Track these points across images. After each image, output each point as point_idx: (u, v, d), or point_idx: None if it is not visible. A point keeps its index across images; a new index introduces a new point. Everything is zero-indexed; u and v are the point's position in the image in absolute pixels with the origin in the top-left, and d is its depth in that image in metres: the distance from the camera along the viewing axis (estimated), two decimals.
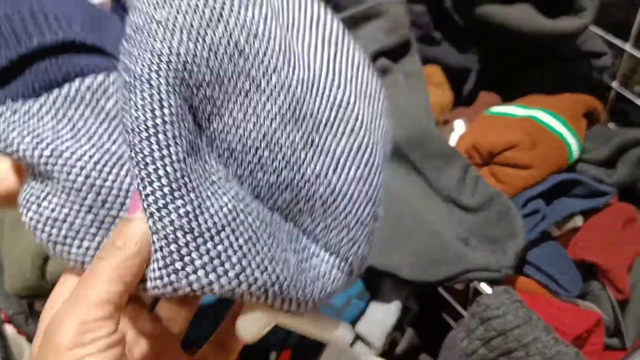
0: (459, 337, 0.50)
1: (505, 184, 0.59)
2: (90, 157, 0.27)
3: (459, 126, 0.71)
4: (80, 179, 0.27)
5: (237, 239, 0.26)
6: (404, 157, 0.60)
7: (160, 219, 0.24)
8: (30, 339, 0.55)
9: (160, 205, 0.24)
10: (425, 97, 0.62)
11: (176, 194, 0.24)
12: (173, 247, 0.24)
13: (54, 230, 0.27)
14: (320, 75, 0.31)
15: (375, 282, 0.58)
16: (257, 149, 0.28)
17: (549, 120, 0.61)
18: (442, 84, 0.66)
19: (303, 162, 0.29)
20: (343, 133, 0.31)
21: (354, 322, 0.58)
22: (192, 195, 0.25)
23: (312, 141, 0.30)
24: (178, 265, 0.24)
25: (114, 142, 0.28)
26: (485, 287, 0.50)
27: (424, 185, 0.59)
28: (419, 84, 0.63)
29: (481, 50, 0.75)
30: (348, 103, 0.31)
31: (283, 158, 0.29)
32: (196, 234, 0.25)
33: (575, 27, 0.65)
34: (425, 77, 0.65)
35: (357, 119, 0.31)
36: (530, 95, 0.70)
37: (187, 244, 0.24)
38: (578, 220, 0.58)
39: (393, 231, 0.54)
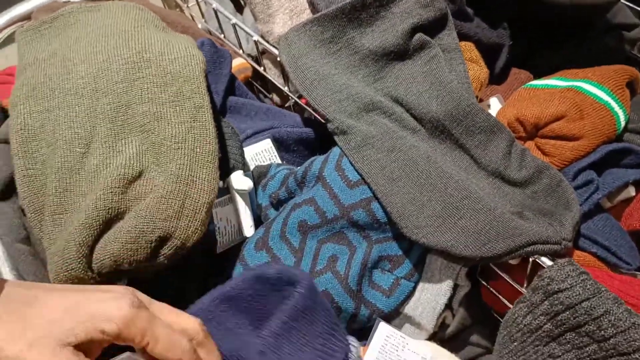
0: (521, 314, 0.48)
1: (553, 157, 0.57)
2: None
3: (495, 104, 0.69)
4: None
5: None
6: (447, 133, 0.58)
7: None
8: None
9: None
10: (464, 71, 0.60)
11: None
12: None
13: None
14: None
15: (423, 261, 0.56)
16: None
17: (593, 90, 0.59)
18: (478, 60, 0.65)
19: None
20: None
21: (402, 303, 0.56)
22: None
23: None
24: None
25: None
26: (546, 261, 0.49)
27: (469, 161, 0.57)
28: (457, 58, 0.61)
29: (512, 26, 0.73)
30: None
31: None
32: None
33: None
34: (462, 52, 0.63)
35: None
36: (564, 70, 0.69)
37: None
38: (631, 191, 0.56)
39: (443, 208, 0.52)
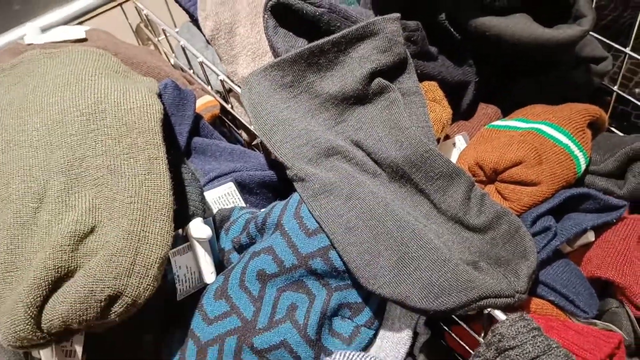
0: None
1: (512, 202, 0.57)
2: None
3: (460, 142, 0.69)
4: None
5: None
6: (406, 178, 0.58)
7: None
8: None
9: None
10: (424, 114, 0.60)
11: None
12: None
13: None
14: None
15: (383, 309, 0.55)
16: None
17: (553, 133, 0.59)
18: (441, 100, 0.64)
19: None
20: None
21: (363, 351, 0.56)
22: None
23: None
24: None
25: None
26: (499, 314, 0.48)
27: (428, 206, 0.57)
28: (417, 101, 0.61)
29: (478, 62, 0.73)
30: None
31: None
32: None
33: (575, 35, 0.64)
34: (424, 93, 0.63)
35: None
36: (530, 106, 0.69)
37: None
38: (590, 236, 0.56)
39: (399, 259, 0.52)
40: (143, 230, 0.50)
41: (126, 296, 0.47)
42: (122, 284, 0.47)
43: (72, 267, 0.48)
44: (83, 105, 0.55)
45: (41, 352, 0.50)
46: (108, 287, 0.46)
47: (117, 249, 0.48)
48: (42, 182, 0.52)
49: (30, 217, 0.51)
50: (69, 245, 0.48)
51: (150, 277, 0.49)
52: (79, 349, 0.52)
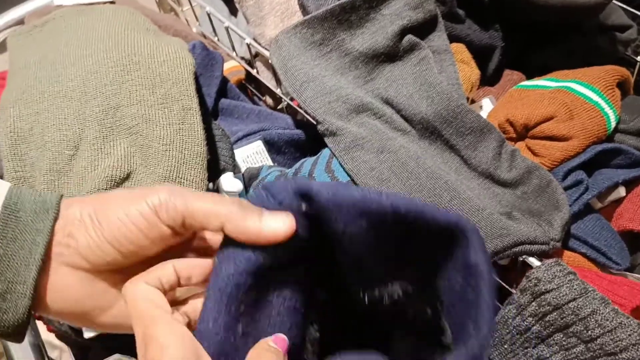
0: (510, 315, 0.48)
1: (543, 157, 0.57)
2: None
3: (487, 105, 0.69)
4: None
5: None
6: (437, 134, 0.58)
7: None
8: (62, 335, 0.53)
9: None
10: (455, 72, 0.60)
11: None
12: None
13: None
14: None
15: None
16: None
17: (583, 91, 0.59)
18: (469, 61, 0.65)
19: None
20: None
21: None
22: None
23: None
24: None
25: None
26: (534, 261, 0.48)
27: (459, 162, 0.57)
28: (447, 59, 0.61)
29: (504, 28, 0.73)
30: None
31: None
32: None
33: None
34: (453, 54, 0.63)
35: None
36: (557, 71, 0.69)
37: None
38: (621, 191, 0.56)
39: None
40: (178, 177, 0.50)
41: None
42: None
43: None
44: (117, 57, 0.55)
45: None
46: None
47: None
48: (78, 130, 0.52)
49: (66, 163, 0.51)
50: (106, 189, 0.48)
51: None
52: None
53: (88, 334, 0.52)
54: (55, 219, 0.33)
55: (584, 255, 0.53)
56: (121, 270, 0.34)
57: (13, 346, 0.49)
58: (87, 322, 0.35)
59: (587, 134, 0.56)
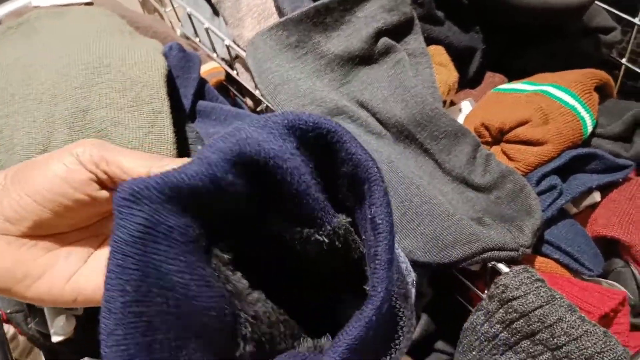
0: (479, 322, 0.48)
1: (517, 162, 0.56)
2: None
3: (467, 107, 0.68)
4: None
5: None
6: (411, 138, 0.57)
7: None
8: (30, 339, 0.53)
9: None
10: (431, 75, 0.60)
11: None
12: None
13: None
14: None
15: None
16: None
17: (560, 95, 0.58)
18: (447, 63, 0.64)
19: None
20: None
21: None
22: None
23: None
24: None
25: None
26: (503, 267, 0.48)
27: (433, 166, 0.57)
28: (424, 62, 0.60)
29: (485, 30, 0.73)
30: None
31: None
32: None
33: (581, 1, 0.63)
34: (430, 56, 0.63)
35: None
36: (537, 74, 0.68)
37: None
38: (596, 196, 0.56)
39: (403, 215, 0.51)
40: None
41: None
42: None
43: None
44: (88, 59, 0.55)
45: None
46: None
47: None
48: (47, 134, 0.52)
49: None
50: None
51: None
52: None
53: (56, 338, 0.52)
54: None
55: (557, 261, 0.52)
56: (59, 237, 0.33)
57: None
58: (19, 294, 0.34)
59: (562, 138, 0.56)
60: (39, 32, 0.60)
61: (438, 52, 0.65)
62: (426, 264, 0.49)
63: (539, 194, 0.54)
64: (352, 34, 0.60)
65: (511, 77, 0.74)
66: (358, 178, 0.28)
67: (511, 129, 0.56)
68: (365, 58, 0.60)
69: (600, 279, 0.52)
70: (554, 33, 0.75)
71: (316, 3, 0.59)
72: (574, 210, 0.56)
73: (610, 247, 0.54)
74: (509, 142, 0.57)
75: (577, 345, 0.42)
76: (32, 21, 0.62)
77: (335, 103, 0.59)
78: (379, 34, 0.60)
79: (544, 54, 0.75)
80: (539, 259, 0.53)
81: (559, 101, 0.58)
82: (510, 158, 0.57)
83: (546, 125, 0.56)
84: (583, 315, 0.43)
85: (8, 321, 0.54)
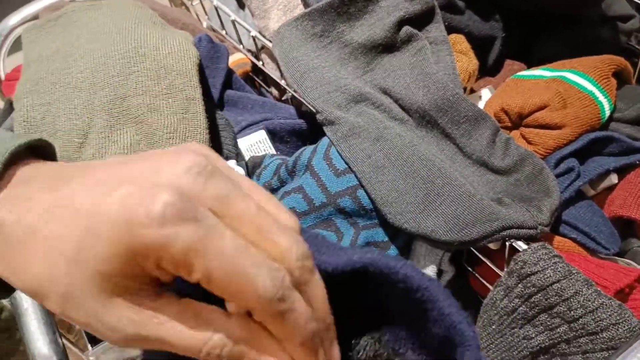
0: (498, 297, 0.50)
1: (536, 145, 0.58)
2: None
3: (486, 95, 0.70)
4: None
5: None
6: (433, 123, 0.59)
7: None
8: None
9: None
10: (452, 62, 0.61)
11: None
12: None
13: None
14: None
15: (409, 248, 0.57)
16: None
17: (578, 80, 0.60)
18: (467, 51, 0.66)
19: None
20: None
21: None
22: None
23: None
24: None
25: None
26: (521, 244, 0.50)
27: (454, 149, 0.59)
28: (445, 50, 0.62)
29: (505, 18, 0.74)
30: None
31: None
32: None
33: None
34: (451, 44, 0.64)
35: None
36: (556, 61, 0.70)
37: None
38: (613, 178, 0.57)
39: (425, 195, 0.54)
40: None
41: None
42: None
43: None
44: (124, 49, 0.57)
45: None
46: None
47: None
48: (87, 120, 0.55)
49: (75, 151, 0.54)
50: None
51: None
52: None
53: None
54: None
55: (574, 240, 0.54)
56: None
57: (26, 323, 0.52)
58: None
59: (580, 122, 0.57)
60: (76, 24, 0.63)
61: (459, 41, 0.67)
62: (448, 242, 0.51)
63: (557, 176, 0.56)
64: (375, 23, 0.62)
65: (531, 65, 0.76)
66: (450, 341, 0.28)
67: (530, 113, 0.58)
68: (388, 46, 0.63)
69: (617, 258, 0.54)
70: (572, 21, 0.76)
71: None
72: (592, 192, 0.58)
73: (627, 228, 0.56)
74: (527, 126, 0.59)
75: (593, 317, 0.44)
76: (70, 14, 0.65)
77: (359, 90, 0.61)
78: (401, 22, 0.62)
79: (562, 42, 0.76)
80: (557, 239, 0.54)
81: (577, 86, 0.59)
82: (529, 142, 0.59)
83: (564, 110, 0.57)
84: (599, 289, 0.45)
85: None
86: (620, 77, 0.65)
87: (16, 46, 0.82)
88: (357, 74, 0.63)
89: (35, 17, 0.79)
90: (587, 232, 0.54)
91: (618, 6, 0.78)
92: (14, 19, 0.82)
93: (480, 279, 0.58)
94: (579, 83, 0.59)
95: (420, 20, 0.63)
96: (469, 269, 0.59)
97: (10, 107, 0.67)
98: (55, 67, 0.59)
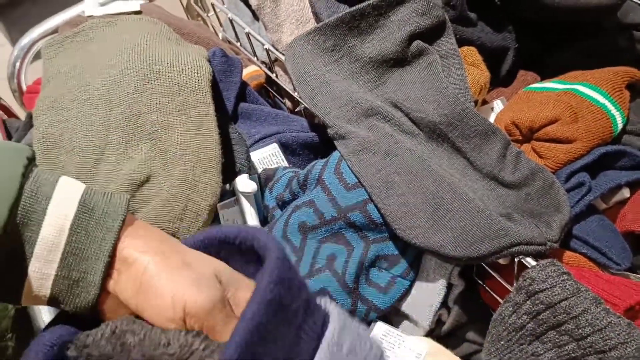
0: (507, 313, 0.50)
1: (547, 159, 0.58)
2: None
3: (498, 106, 0.70)
4: None
5: None
6: (443, 137, 0.60)
7: None
8: None
9: None
10: (462, 76, 0.62)
11: None
12: None
13: None
14: None
15: (419, 261, 0.58)
16: None
17: (590, 93, 0.60)
18: (479, 64, 0.66)
19: None
20: None
21: (399, 301, 0.58)
22: None
23: None
24: None
25: None
26: (530, 261, 0.50)
27: (464, 164, 0.59)
28: (455, 63, 0.63)
29: (517, 29, 0.74)
30: None
31: None
32: None
33: (612, 0, 0.64)
34: (462, 57, 0.65)
35: None
36: (570, 72, 0.69)
37: None
38: (625, 192, 0.57)
39: (434, 210, 0.54)
40: (194, 180, 0.54)
41: (178, 238, 0.51)
42: (175, 227, 0.51)
43: (130, 212, 0.52)
44: (139, 66, 0.59)
45: None
46: (162, 230, 0.50)
47: (170, 195, 0.52)
48: (103, 136, 0.56)
49: (93, 167, 0.55)
50: (127, 191, 0.52)
51: (200, 222, 0.53)
52: None
53: None
54: (123, 222, 0.39)
55: (585, 255, 0.54)
56: None
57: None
58: None
59: (591, 136, 0.57)
60: (93, 41, 0.65)
61: (470, 53, 0.67)
62: (456, 257, 0.52)
63: (568, 190, 0.56)
64: (386, 37, 0.63)
65: (545, 75, 0.75)
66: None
67: (541, 127, 0.58)
68: (398, 60, 0.63)
69: (629, 273, 0.54)
70: (587, 30, 0.75)
71: (351, 9, 0.62)
72: (604, 206, 0.58)
73: (639, 243, 0.55)
74: (538, 140, 0.59)
75: (602, 336, 0.44)
76: (87, 31, 0.66)
77: (370, 104, 0.61)
78: (412, 37, 0.62)
79: (578, 51, 0.76)
80: (568, 254, 0.54)
81: (589, 99, 0.59)
82: (540, 155, 0.59)
83: (576, 123, 0.57)
84: (608, 307, 0.45)
85: None
86: (635, 89, 0.65)
87: (37, 54, 0.85)
88: (368, 88, 0.64)
89: (55, 30, 0.81)
90: (597, 247, 0.54)
91: (634, 14, 0.78)
92: (36, 32, 0.84)
93: (491, 292, 0.58)
94: (591, 96, 0.59)
95: (431, 34, 0.64)
96: (480, 282, 0.59)
97: (30, 121, 0.69)
98: (72, 83, 0.60)
